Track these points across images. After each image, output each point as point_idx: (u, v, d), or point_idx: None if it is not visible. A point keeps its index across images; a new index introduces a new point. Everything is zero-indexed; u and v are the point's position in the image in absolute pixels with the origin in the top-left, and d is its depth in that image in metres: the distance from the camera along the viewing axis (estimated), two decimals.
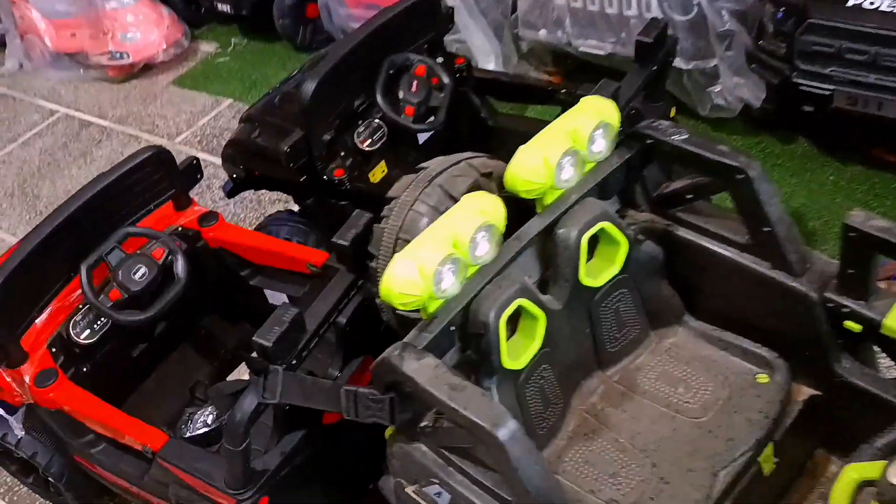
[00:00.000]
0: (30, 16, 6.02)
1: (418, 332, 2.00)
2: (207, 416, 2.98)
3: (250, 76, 5.61)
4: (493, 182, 2.35)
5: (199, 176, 3.23)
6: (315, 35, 5.55)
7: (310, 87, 3.13)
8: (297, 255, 3.02)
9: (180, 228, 3.11)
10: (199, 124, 5.33)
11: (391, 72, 3.42)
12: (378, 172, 3.51)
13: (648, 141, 2.34)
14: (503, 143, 3.77)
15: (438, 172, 2.32)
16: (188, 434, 2.88)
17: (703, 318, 2.47)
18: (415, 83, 3.42)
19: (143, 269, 2.76)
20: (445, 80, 3.48)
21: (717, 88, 4.09)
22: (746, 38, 3.90)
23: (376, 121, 3.49)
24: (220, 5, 5.81)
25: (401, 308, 1.98)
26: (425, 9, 3.55)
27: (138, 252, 2.82)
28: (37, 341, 2.76)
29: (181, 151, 5.08)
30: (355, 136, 3.42)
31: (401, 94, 3.41)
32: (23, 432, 2.93)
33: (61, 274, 2.79)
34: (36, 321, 2.77)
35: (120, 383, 3.05)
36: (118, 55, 5.81)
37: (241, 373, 3.22)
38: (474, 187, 2.30)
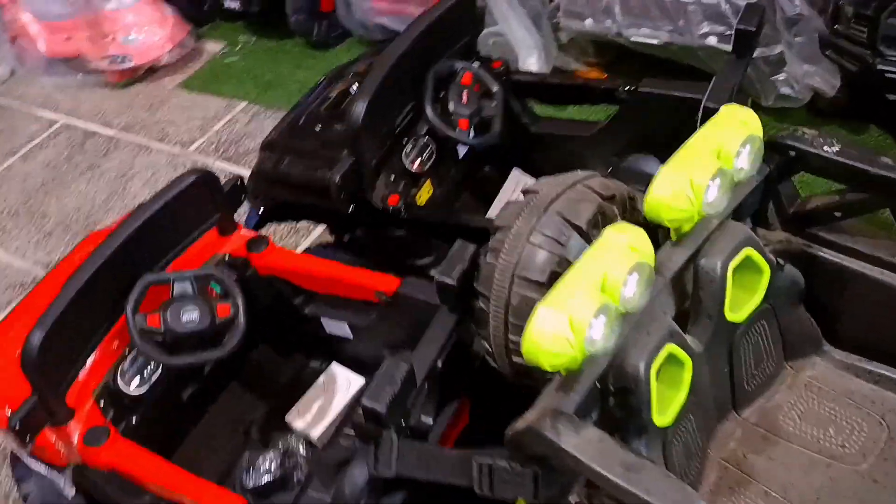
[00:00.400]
0: (21, 18, 5.64)
1: (562, 393, 1.72)
2: (269, 462, 2.69)
3: (263, 76, 5.27)
4: (616, 206, 2.07)
5: (242, 197, 2.93)
6: (330, 31, 5.22)
7: (361, 108, 2.79)
8: (362, 283, 2.73)
9: (227, 257, 2.81)
10: (214, 130, 5.00)
11: (437, 83, 3.12)
12: (424, 193, 3.21)
13: (791, 153, 2.06)
14: (547, 149, 3.49)
15: (554, 197, 2.03)
16: (251, 485, 2.60)
17: (843, 348, 2.21)
18: (464, 94, 3.12)
19: (193, 315, 2.46)
20: (495, 87, 3.19)
21: (783, 77, 3.82)
22: (819, 23, 3.62)
23: (424, 138, 3.17)
24: (227, 2, 5.47)
25: (550, 368, 1.69)
26: (464, 9, 3.25)
27: (197, 293, 2.51)
28: (82, 394, 2.45)
29: (197, 161, 4.76)
30: (403, 156, 3.11)
31: (451, 107, 3.10)
32: (73, 490, 2.62)
33: (105, 318, 2.49)
34: (79, 372, 2.46)
35: (172, 431, 2.76)
36: (119, 59, 5.45)
37: (302, 411, 2.93)
38: (599, 213, 2.02)
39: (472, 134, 3.10)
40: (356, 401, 2.87)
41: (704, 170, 1.88)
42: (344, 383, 2.94)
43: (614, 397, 1.80)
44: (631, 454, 1.57)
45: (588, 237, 2.00)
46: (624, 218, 2.04)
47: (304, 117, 3.38)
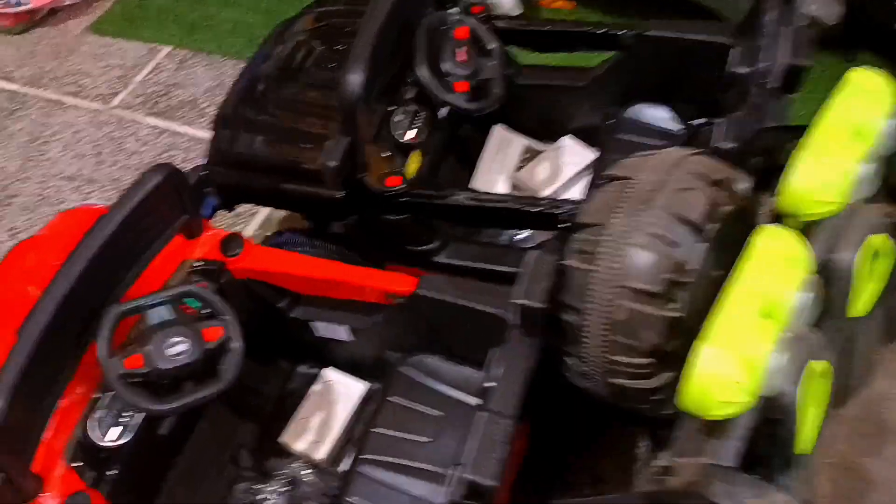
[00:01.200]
0: None
1: (716, 439, 1.43)
2: (273, 492, 2.40)
3: (186, 17, 4.67)
4: (725, 193, 1.77)
5: (206, 190, 2.50)
6: None
7: (357, 80, 2.37)
8: (373, 285, 2.37)
9: (200, 263, 2.40)
10: (137, 80, 4.42)
11: (430, 39, 2.68)
12: (412, 165, 2.79)
13: None
14: (533, 103, 3.10)
15: (656, 186, 1.71)
16: None
17: None
18: (461, 51, 2.69)
19: (180, 345, 2.05)
20: (493, 44, 2.78)
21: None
22: None
23: (412, 104, 2.75)
24: None
25: (720, 417, 1.40)
26: None
27: (180, 318, 2.10)
28: (50, 457, 2.04)
29: (123, 118, 4.22)
30: (393, 127, 2.69)
31: (445, 67, 2.67)
32: None
33: (67, 362, 2.07)
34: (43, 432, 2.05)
35: (154, 473, 2.38)
36: (14, 1, 4.75)
37: (298, 429, 2.58)
38: (713, 205, 1.72)
39: (468, 98, 2.68)
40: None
41: (851, 153, 1.59)
42: (342, 390, 2.61)
43: (759, 430, 1.53)
44: None
45: (703, 234, 1.70)
46: (734, 206, 1.73)
47: (261, 84, 2.91)
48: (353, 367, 2.63)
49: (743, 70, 2.58)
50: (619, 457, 2.62)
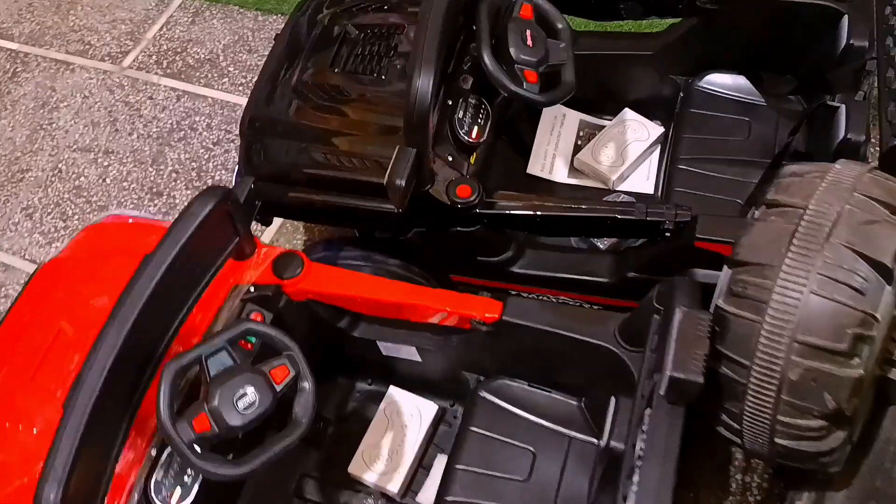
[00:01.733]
0: None
1: None
2: None
3: None
4: None
5: (257, 203, 2.22)
6: None
7: (426, 85, 2.02)
8: (458, 311, 2.09)
9: (253, 289, 2.13)
10: (149, 37, 4.05)
11: (492, 22, 2.30)
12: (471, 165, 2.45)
13: None
14: (592, 75, 2.66)
15: (832, 219, 1.44)
16: None
17: None
18: (528, 34, 2.29)
19: (250, 395, 1.80)
20: (561, 24, 2.40)
21: None
22: None
23: (472, 96, 2.40)
24: None
25: None
26: None
27: (242, 362, 1.85)
28: None
29: (137, 80, 3.88)
30: (457, 126, 2.34)
31: (513, 53, 2.26)
32: None
33: (119, 424, 1.83)
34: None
35: None
36: None
37: (367, 457, 2.36)
38: None
39: (539, 88, 2.27)
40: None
41: None
42: (412, 412, 2.38)
43: None
44: None
45: (893, 277, 1.45)
46: None
47: (294, 77, 2.53)
48: (420, 385, 2.40)
49: (862, 42, 2.25)
50: (713, 463, 2.46)
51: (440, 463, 2.28)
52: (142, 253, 1.81)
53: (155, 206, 3.47)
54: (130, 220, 2.41)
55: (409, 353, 2.30)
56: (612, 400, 1.98)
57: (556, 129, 2.90)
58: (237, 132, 3.52)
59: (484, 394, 2.24)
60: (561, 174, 2.81)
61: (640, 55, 2.78)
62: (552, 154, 2.84)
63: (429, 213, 2.27)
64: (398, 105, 2.22)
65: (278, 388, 1.82)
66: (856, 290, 1.42)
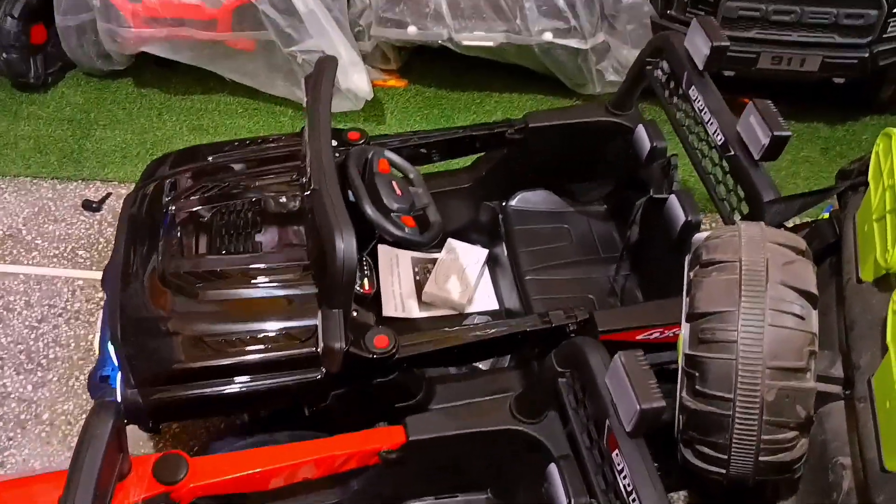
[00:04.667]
0: None
1: None
2: None
3: None
4: (808, 258, 1.93)
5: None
6: (48, 66, 4.20)
7: (350, 245, 2.11)
8: (356, 449, 2.18)
9: None
10: None
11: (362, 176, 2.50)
12: None
13: None
14: None
15: (763, 266, 1.82)
16: None
17: None
18: (394, 185, 2.51)
19: None
20: (412, 173, 2.67)
21: (608, 63, 3.84)
22: (650, 9, 3.63)
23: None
24: None
25: None
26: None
27: None
28: None
29: None
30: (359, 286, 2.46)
31: (388, 204, 2.46)
32: None
33: None
34: None
35: None
36: None
37: None
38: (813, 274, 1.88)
39: (418, 231, 2.50)
40: None
41: None
42: None
43: None
44: None
45: (816, 304, 1.84)
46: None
47: (160, 271, 2.48)
48: None
49: (663, 143, 2.74)
50: None
51: None
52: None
53: None
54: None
55: None
56: (553, 466, 2.10)
57: (395, 271, 3.05)
58: (62, 306, 3.41)
59: None
60: (414, 311, 2.95)
61: (457, 189, 3.09)
62: (399, 294, 2.98)
63: (347, 372, 2.26)
64: (285, 276, 2.40)
65: None
66: (799, 316, 1.81)
